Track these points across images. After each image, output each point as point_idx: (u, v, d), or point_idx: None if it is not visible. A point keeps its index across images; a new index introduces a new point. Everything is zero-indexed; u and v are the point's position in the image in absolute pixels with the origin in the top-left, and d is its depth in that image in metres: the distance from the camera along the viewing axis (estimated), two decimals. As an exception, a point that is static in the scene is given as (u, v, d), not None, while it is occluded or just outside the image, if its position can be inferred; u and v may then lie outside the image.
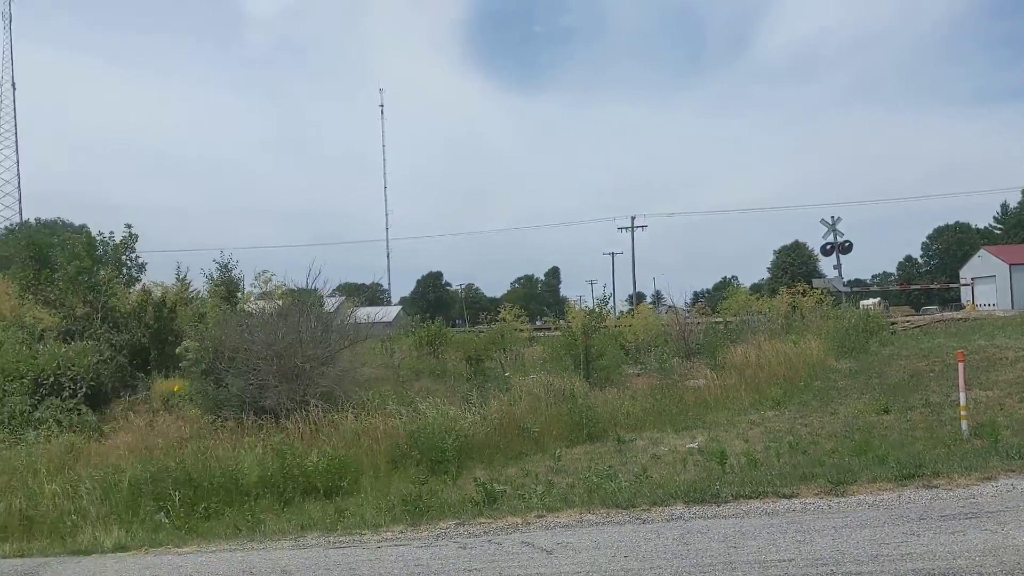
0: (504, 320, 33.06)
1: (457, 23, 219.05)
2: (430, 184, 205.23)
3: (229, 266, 26.77)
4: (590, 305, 40.21)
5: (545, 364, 22.15)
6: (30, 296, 23.10)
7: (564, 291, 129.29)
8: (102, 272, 23.38)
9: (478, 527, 8.40)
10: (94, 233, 25.33)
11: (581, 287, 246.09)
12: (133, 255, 25.75)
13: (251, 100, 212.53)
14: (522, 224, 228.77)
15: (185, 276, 26.72)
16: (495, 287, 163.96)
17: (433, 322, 26.94)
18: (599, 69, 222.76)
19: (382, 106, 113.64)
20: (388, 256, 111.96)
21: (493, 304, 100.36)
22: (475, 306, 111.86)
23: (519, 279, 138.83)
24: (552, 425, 15.65)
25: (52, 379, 17.90)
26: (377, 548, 7.74)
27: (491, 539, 7.74)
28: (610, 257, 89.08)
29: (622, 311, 44.63)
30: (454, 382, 19.68)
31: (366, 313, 25.09)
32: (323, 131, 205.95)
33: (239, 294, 26.12)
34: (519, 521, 8.53)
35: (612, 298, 56.55)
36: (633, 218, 78.22)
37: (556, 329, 28.26)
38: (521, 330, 32.09)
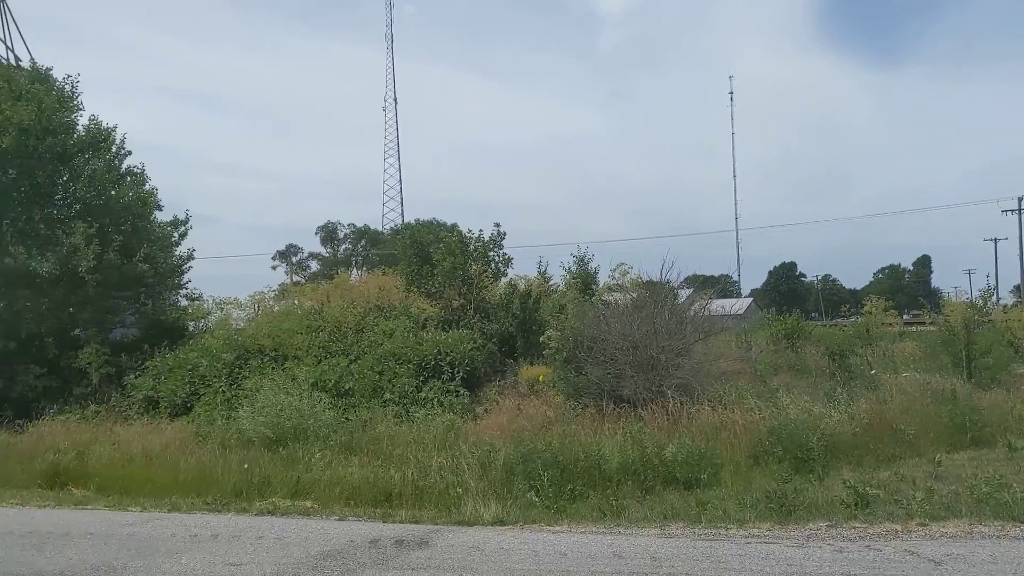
0: (869, 313, 30.94)
1: (807, 4, 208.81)
2: (781, 171, 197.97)
3: (585, 259, 27.86)
4: (970, 297, 36.31)
5: (918, 361, 20.39)
6: (415, 289, 25.73)
7: (936, 282, 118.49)
8: (473, 267, 25.40)
9: (852, 531, 7.96)
10: (463, 231, 27.62)
11: (956, 277, 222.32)
12: (500, 251, 27.68)
13: (602, 99, 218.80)
14: (884, 210, 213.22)
15: (546, 269, 28.28)
16: (854, 278, 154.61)
17: (790, 315, 25.89)
18: (970, 36, 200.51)
19: (731, 93, 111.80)
20: (738, 247, 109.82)
21: (852, 296, 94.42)
22: (832, 298, 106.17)
23: (883, 269, 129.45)
24: (928, 427, 14.34)
25: (434, 363, 19.78)
26: (745, 544, 7.60)
27: (868, 545, 7.28)
28: (991, 243, 79.66)
29: (1005, 304, 39.87)
30: (815, 378, 18.73)
31: (719, 305, 24.75)
32: (670, 124, 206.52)
33: (594, 286, 27.06)
34: (898, 528, 7.96)
35: (995, 290, 50.69)
36: (1021, 199, 68.96)
37: (931, 323, 25.84)
38: (889, 324, 29.85)
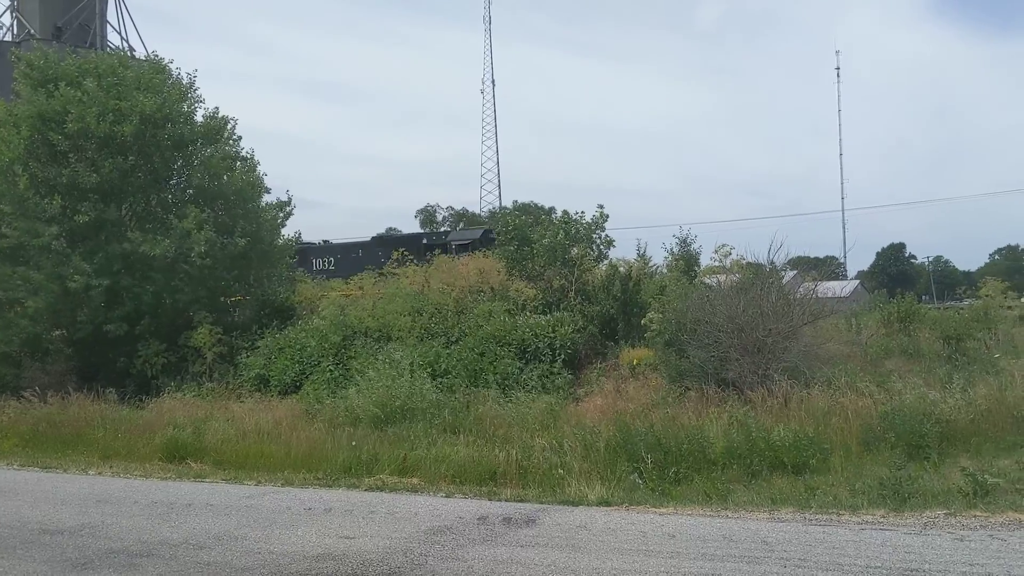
0: (988, 296, 29.54)
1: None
2: (891, 149, 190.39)
3: (688, 240, 27.44)
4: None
5: (1041, 345, 19.44)
6: (515, 271, 25.80)
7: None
8: (574, 249, 25.32)
9: (973, 520, 7.70)
10: (565, 212, 27.51)
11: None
12: (603, 233, 27.48)
13: (703, 76, 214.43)
14: (1001, 188, 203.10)
15: (645, 251, 27.93)
16: (969, 259, 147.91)
17: (903, 297, 24.95)
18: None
19: (837, 69, 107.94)
20: (844, 228, 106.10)
21: (966, 278, 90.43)
22: (944, 280, 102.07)
23: (999, 250, 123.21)
24: (1054, 414, 13.68)
25: (534, 346, 19.86)
26: (859, 530, 7.43)
27: (991, 534, 7.02)
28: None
29: None
30: (929, 363, 18.09)
31: (825, 288, 24.07)
32: (773, 100, 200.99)
33: (697, 268, 26.63)
34: (1023, 518, 7.64)
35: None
36: None
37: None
38: (1009, 307, 28.46)
